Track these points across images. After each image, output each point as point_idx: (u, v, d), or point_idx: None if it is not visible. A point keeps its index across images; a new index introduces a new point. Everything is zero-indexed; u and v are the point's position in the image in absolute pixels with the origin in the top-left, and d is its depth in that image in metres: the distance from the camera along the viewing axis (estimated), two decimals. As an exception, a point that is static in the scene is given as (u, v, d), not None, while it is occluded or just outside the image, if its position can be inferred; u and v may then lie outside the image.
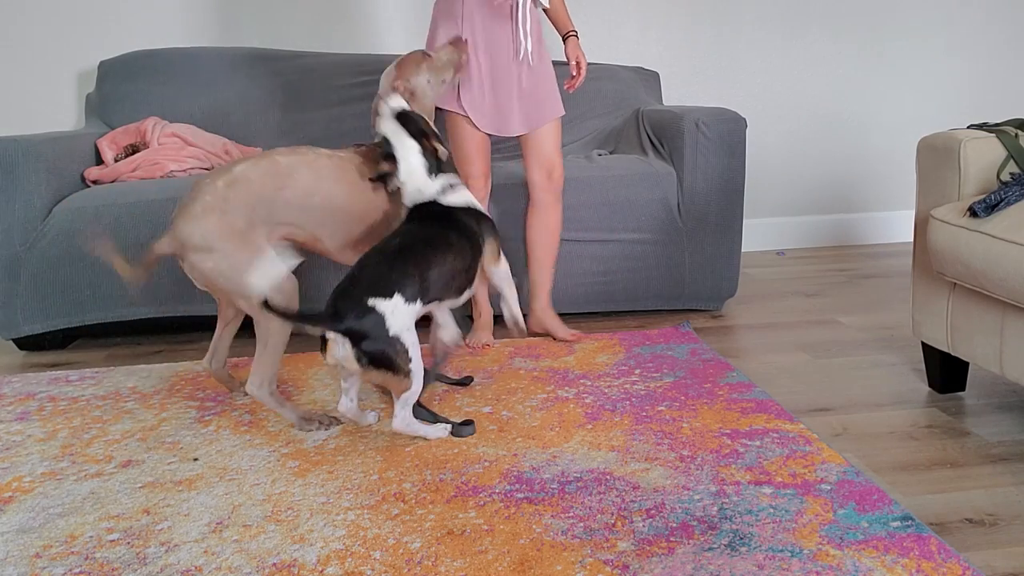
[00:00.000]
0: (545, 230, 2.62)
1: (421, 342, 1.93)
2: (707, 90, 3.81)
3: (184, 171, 2.98)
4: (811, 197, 3.97)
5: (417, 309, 1.93)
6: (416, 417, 1.97)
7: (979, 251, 1.85)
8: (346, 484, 1.78)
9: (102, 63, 3.32)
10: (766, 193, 3.91)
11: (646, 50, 3.75)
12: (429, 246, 1.97)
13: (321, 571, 1.48)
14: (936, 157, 2.09)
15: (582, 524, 1.60)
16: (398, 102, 2.11)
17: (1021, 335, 1.85)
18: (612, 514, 1.63)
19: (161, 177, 2.94)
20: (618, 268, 2.87)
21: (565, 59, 2.59)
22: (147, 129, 3.07)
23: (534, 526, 1.59)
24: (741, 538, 1.53)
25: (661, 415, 2.07)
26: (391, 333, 1.84)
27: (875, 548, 1.49)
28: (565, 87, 2.59)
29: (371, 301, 1.84)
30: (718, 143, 2.83)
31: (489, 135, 2.54)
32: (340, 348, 1.84)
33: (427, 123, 2.11)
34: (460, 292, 2.07)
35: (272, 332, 2.02)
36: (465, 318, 2.71)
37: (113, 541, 1.60)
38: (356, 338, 1.83)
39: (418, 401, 1.98)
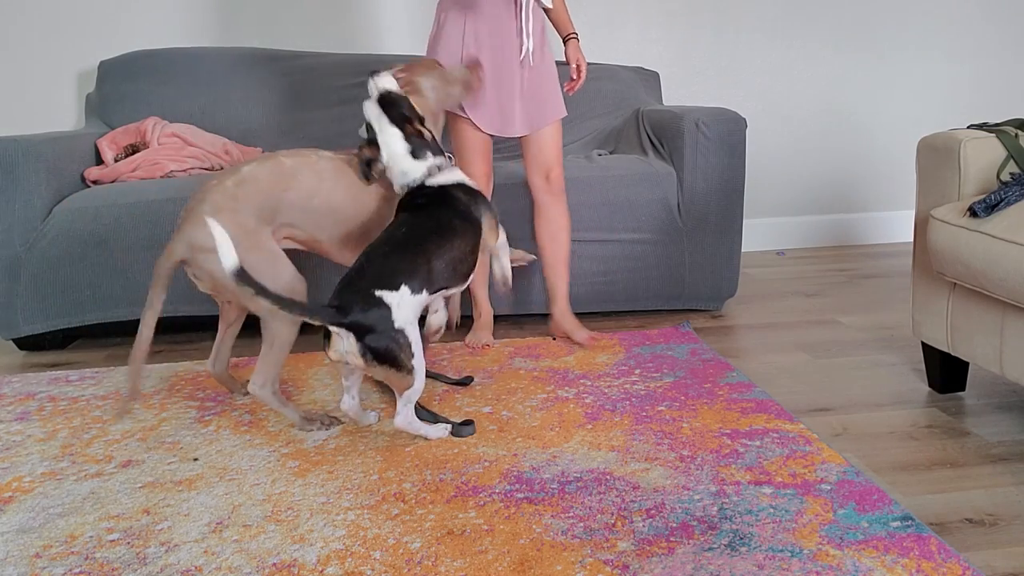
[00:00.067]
0: (551, 232, 2.62)
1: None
2: (707, 90, 3.81)
3: (184, 171, 2.98)
4: (811, 197, 3.97)
5: (423, 299, 1.92)
6: (416, 417, 1.97)
7: (979, 251, 1.85)
8: (346, 484, 1.78)
9: (102, 63, 3.32)
10: (766, 193, 3.91)
11: (646, 50, 3.75)
12: (434, 233, 1.95)
13: (321, 571, 1.48)
14: (936, 157, 2.09)
15: (582, 524, 1.60)
16: (386, 82, 2.09)
17: (1021, 335, 1.85)
18: (612, 514, 1.63)
19: (161, 177, 2.93)
20: (618, 268, 2.87)
21: (565, 61, 2.59)
22: (147, 129, 3.07)
23: (534, 526, 1.59)
24: (741, 538, 1.53)
25: (661, 415, 2.07)
26: (396, 326, 1.84)
27: (875, 548, 1.49)
28: (565, 89, 2.59)
29: (378, 293, 1.83)
30: (718, 143, 2.83)
31: (491, 136, 2.54)
32: (344, 342, 1.83)
33: (411, 106, 2.09)
34: (466, 277, 2.06)
35: (279, 332, 2.02)
36: (465, 318, 2.71)
37: (113, 541, 1.60)
38: (361, 332, 1.82)
39: (418, 401, 1.98)
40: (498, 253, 2.20)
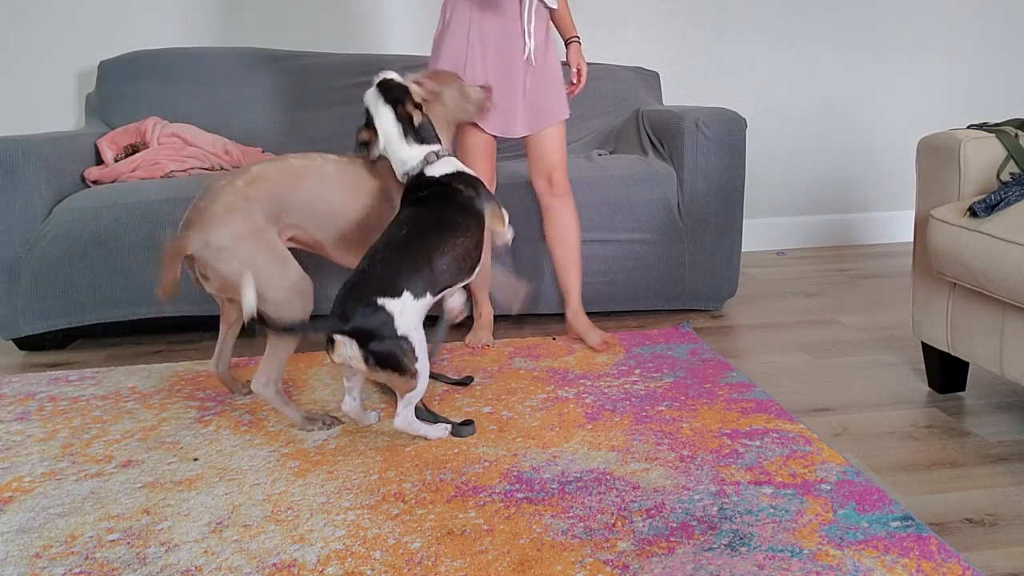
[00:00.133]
0: (558, 233, 2.62)
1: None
2: (707, 90, 3.81)
3: (184, 171, 2.98)
4: (811, 197, 3.97)
5: (428, 302, 1.92)
6: (416, 417, 1.97)
7: (979, 251, 1.85)
8: (346, 484, 1.78)
9: (102, 63, 3.32)
10: (766, 193, 3.91)
11: (646, 50, 3.75)
12: (436, 232, 1.95)
13: (321, 571, 1.48)
14: (936, 157, 2.09)
15: (582, 524, 1.60)
16: (388, 73, 2.14)
17: (1021, 335, 1.85)
18: (612, 514, 1.63)
19: (161, 177, 2.93)
20: (618, 268, 2.87)
21: (567, 64, 2.59)
22: (147, 129, 3.07)
23: (534, 526, 1.59)
24: (741, 538, 1.53)
25: (661, 415, 2.07)
26: (399, 333, 1.84)
27: (875, 548, 1.49)
28: (566, 92, 2.59)
29: (380, 300, 1.83)
30: (718, 143, 2.83)
31: (494, 136, 2.54)
32: (347, 348, 1.83)
33: (409, 95, 2.11)
34: (471, 271, 2.05)
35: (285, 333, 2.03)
36: (465, 318, 2.70)
37: (113, 541, 1.60)
38: (363, 338, 1.82)
39: (418, 401, 1.98)
40: (506, 237, 2.20)
